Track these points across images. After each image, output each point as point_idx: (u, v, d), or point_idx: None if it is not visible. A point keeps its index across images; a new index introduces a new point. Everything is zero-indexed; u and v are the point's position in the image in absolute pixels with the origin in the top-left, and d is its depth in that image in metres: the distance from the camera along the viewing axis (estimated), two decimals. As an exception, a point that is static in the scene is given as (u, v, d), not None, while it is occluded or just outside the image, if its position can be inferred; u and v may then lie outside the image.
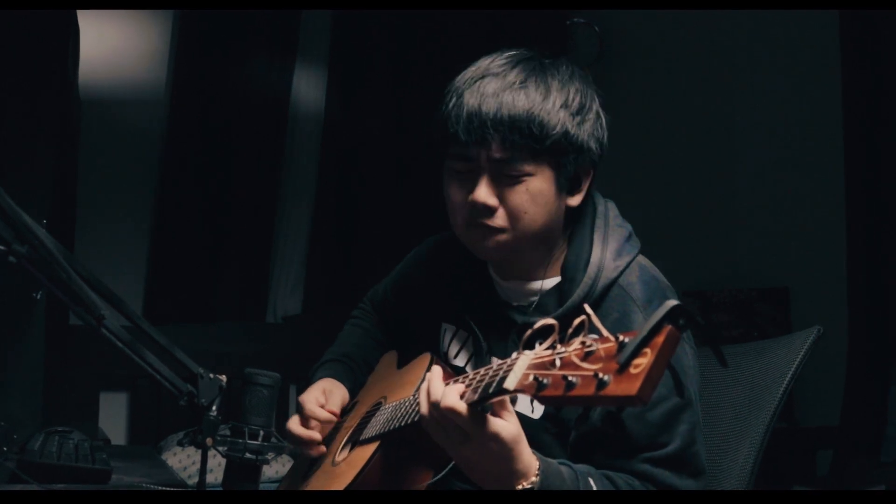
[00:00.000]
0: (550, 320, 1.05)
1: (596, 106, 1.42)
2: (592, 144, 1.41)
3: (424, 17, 3.72)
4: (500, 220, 1.40)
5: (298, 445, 1.58)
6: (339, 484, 1.42)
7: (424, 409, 1.23)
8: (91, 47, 3.33)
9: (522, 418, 1.40)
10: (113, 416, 3.43)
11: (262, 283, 3.65)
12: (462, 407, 1.18)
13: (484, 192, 1.39)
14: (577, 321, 1.01)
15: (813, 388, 3.33)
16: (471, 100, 1.38)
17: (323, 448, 1.58)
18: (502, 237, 1.41)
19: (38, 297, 2.13)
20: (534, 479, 1.21)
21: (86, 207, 3.35)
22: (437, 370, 1.27)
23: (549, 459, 1.27)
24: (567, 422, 1.40)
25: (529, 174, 1.38)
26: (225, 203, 3.58)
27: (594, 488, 1.27)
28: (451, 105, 1.41)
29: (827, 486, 3.18)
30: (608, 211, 1.49)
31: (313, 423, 1.57)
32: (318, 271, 3.72)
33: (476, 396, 1.16)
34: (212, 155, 3.56)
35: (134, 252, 3.54)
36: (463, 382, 1.22)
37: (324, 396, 1.61)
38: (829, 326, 1.66)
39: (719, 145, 4.02)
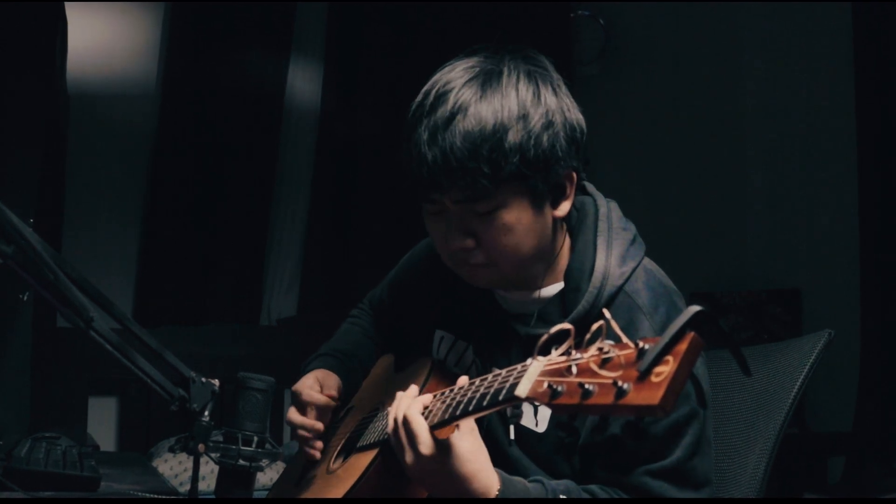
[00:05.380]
0: (567, 325, 1.01)
1: (555, 103, 1.32)
2: (559, 151, 1.31)
3: (422, 10, 3.69)
4: (481, 257, 1.35)
5: (301, 439, 1.55)
6: (336, 492, 1.40)
7: (390, 422, 1.25)
8: (79, 40, 3.30)
9: (527, 433, 1.38)
10: (102, 422, 3.41)
11: (256, 284, 3.63)
12: (416, 419, 1.20)
13: (456, 237, 1.33)
14: (594, 326, 0.97)
15: (825, 393, 3.32)
16: (416, 147, 1.30)
17: (320, 444, 1.54)
18: (489, 272, 1.37)
19: (25, 298, 2.11)
20: (494, 495, 1.21)
21: (74, 206, 3.32)
22: (412, 389, 1.28)
23: (514, 478, 1.25)
24: (574, 432, 1.36)
25: (499, 207, 1.30)
26: (218, 201, 3.56)
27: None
28: (404, 149, 1.35)
29: (839, 494, 3.17)
30: (611, 213, 1.44)
31: (310, 411, 1.54)
32: (314, 272, 3.70)
33: (459, 411, 1.15)
34: (204, 152, 3.54)
35: (124, 252, 3.51)
36: (449, 394, 1.21)
37: (318, 384, 1.57)
38: (842, 329, 1.64)
39: (728, 143, 4.00)
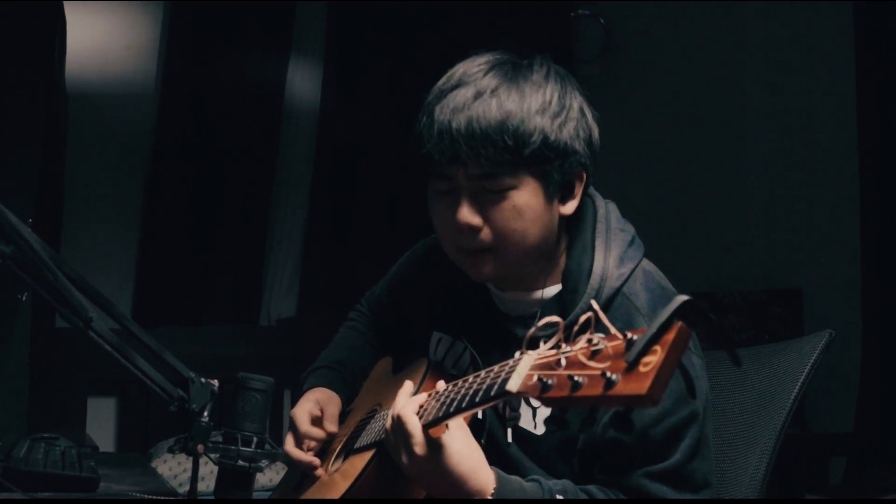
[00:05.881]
0: (555, 318, 1.02)
1: (578, 103, 1.35)
2: (577, 146, 1.34)
3: (422, 9, 3.69)
4: (487, 239, 1.34)
5: (300, 467, 1.55)
6: (334, 493, 1.40)
7: (388, 422, 1.25)
8: (78, 40, 3.30)
9: (526, 435, 1.38)
10: (101, 422, 3.40)
11: (256, 283, 3.62)
12: (410, 419, 1.20)
13: (466, 213, 1.33)
14: (582, 318, 0.97)
15: (825, 394, 3.31)
16: (440, 115, 1.32)
17: (320, 471, 1.54)
18: (493, 259, 1.36)
19: (24, 298, 2.10)
20: (489, 497, 1.21)
21: (73, 206, 3.32)
22: (408, 385, 1.28)
23: (511, 477, 1.25)
24: (572, 434, 1.35)
25: (512, 187, 1.31)
26: (217, 201, 3.55)
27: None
28: (423, 122, 1.35)
29: (840, 495, 3.16)
30: (609, 214, 1.44)
31: (309, 443, 1.53)
32: (314, 272, 3.69)
33: (452, 408, 1.15)
34: (203, 151, 3.53)
35: (123, 252, 3.50)
36: (443, 393, 1.21)
37: (318, 408, 1.56)
38: (843, 329, 1.63)
39: (729, 142, 3.99)
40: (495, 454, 1.34)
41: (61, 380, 3.25)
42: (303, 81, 3.71)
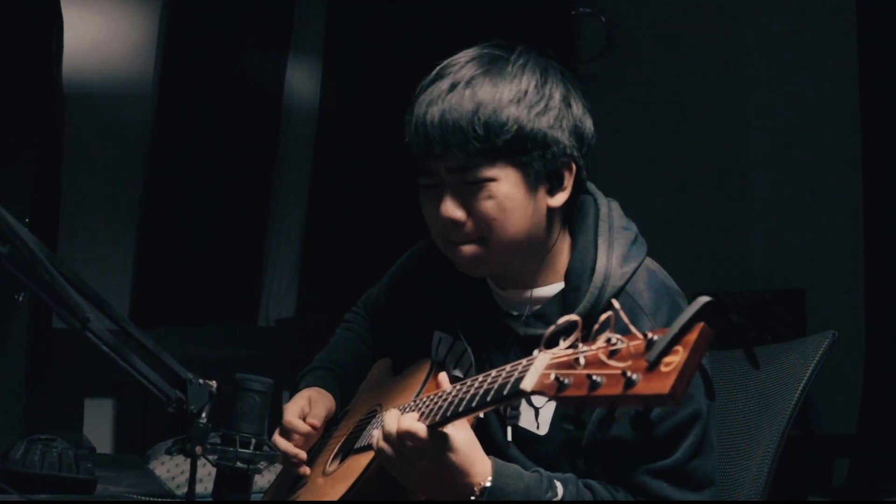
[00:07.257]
0: (574, 317, 1.01)
1: (560, 94, 1.34)
2: (559, 136, 1.32)
3: (422, 9, 3.68)
4: (470, 233, 1.35)
5: (283, 462, 1.55)
6: (334, 493, 1.39)
7: (381, 441, 1.26)
8: (75, 39, 3.30)
9: (527, 436, 1.38)
10: (98, 424, 3.39)
11: (254, 284, 3.62)
12: (414, 425, 1.21)
13: (448, 207, 1.33)
14: (603, 317, 0.96)
15: (828, 395, 3.31)
16: (418, 109, 1.34)
17: (307, 469, 1.53)
18: (478, 251, 1.36)
19: (21, 299, 2.09)
20: (489, 478, 1.22)
21: (70, 205, 3.32)
22: (394, 411, 1.28)
23: (506, 463, 1.26)
24: (578, 434, 1.34)
25: (491, 179, 1.31)
26: (215, 201, 3.54)
27: (559, 493, 1.25)
28: (406, 117, 1.37)
29: (843, 497, 3.16)
30: (611, 212, 1.44)
31: (294, 436, 1.53)
32: (313, 272, 3.69)
33: (462, 407, 1.15)
34: (201, 151, 3.53)
35: (120, 252, 3.50)
36: (449, 392, 1.21)
37: (309, 405, 1.56)
38: (846, 330, 1.63)
39: (732, 141, 3.99)
40: (493, 454, 1.33)
41: (58, 381, 3.24)
42: (302, 80, 3.71)
